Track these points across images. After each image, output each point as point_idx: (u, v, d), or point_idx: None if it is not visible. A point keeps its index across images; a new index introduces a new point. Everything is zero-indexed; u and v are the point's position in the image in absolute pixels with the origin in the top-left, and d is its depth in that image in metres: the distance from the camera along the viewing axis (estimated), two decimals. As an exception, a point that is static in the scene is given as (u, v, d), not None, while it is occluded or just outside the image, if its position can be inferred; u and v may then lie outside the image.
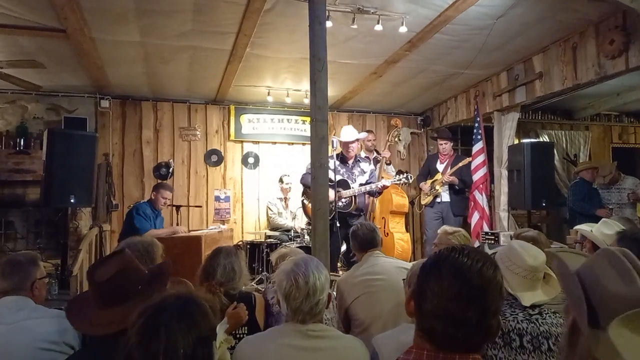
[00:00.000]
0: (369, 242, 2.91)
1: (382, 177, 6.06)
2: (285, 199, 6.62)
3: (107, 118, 6.39)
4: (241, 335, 2.24)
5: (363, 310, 2.58)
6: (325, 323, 2.06)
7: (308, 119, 6.40)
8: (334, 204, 4.65)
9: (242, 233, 6.85)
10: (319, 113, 3.21)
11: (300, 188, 5.75)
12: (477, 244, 4.98)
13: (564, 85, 4.82)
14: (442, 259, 1.16)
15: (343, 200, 5.08)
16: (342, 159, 5.32)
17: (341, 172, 5.24)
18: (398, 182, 5.27)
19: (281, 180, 6.61)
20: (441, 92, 6.56)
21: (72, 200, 4.73)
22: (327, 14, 3.59)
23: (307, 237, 5.83)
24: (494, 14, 4.11)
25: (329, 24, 3.71)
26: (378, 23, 4.11)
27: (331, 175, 4.41)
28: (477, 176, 5.86)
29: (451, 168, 6.03)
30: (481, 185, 5.83)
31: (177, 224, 5.85)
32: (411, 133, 7.69)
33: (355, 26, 4.14)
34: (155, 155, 6.61)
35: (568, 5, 4.00)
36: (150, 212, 5.08)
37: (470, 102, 6.47)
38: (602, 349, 0.93)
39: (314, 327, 1.80)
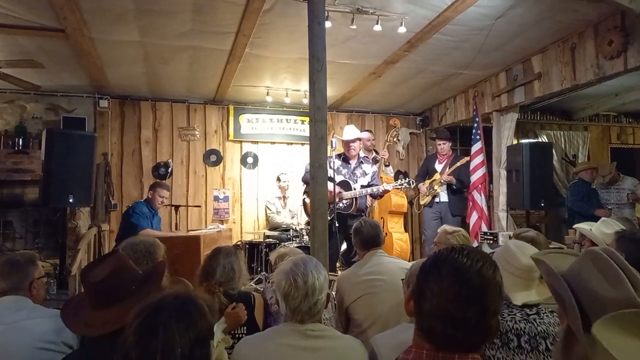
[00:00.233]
0: (372, 240, 2.87)
1: (381, 177, 6.07)
2: (284, 197, 6.63)
3: (106, 118, 6.38)
4: (240, 335, 2.24)
5: (364, 311, 2.57)
6: (324, 323, 2.06)
7: (307, 119, 6.40)
8: (333, 205, 4.65)
9: (241, 233, 6.85)
10: (318, 113, 3.21)
11: (299, 186, 5.74)
12: (475, 244, 4.98)
13: (563, 86, 4.83)
14: (442, 259, 1.16)
15: (344, 201, 5.08)
16: (345, 159, 5.31)
17: (343, 173, 5.23)
18: (400, 186, 5.27)
19: (278, 179, 6.62)
20: (440, 93, 6.56)
21: (70, 200, 4.72)
22: (326, 14, 3.59)
23: (306, 237, 5.83)
24: (493, 14, 4.12)
25: (328, 24, 3.71)
26: (377, 23, 4.11)
27: (331, 175, 4.41)
28: (475, 176, 5.86)
29: (449, 168, 6.04)
30: (480, 186, 5.83)
31: (176, 224, 5.86)
32: (410, 133, 7.69)
33: (354, 26, 4.14)
34: (154, 155, 6.60)
35: (567, 5, 4.01)
36: (147, 211, 5.07)
37: (469, 103, 6.48)
38: (596, 351, 0.94)
39: (312, 327, 1.80)
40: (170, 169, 6.29)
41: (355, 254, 5.12)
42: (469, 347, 1.11)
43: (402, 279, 2.09)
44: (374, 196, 5.44)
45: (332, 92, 6.14)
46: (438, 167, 6.24)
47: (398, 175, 7.32)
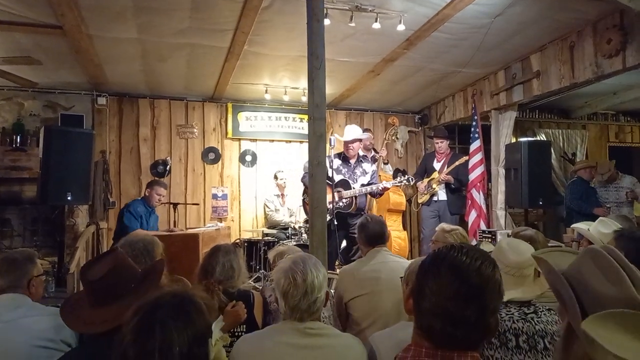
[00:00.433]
0: (377, 236, 2.84)
1: (379, 176, 6.07)
2: (282, 195, 6.62)
3: (104, 115, 6.37)
4: (240, 333, 2.24)
5: (364, 309, 2.55)
6: (323, 321, 2.06)
7: (305, 117, 6.41)
8: (332, 204, 4.65)
9: (240, 231, 6.85)
10: (317, 111, 3.21)
11: (298, 184, 5.74)
12: (474, 242, 4.99)
13: (562, 84, 4.83)
14: (441, 257, 1.16)
15: (344, 200, 5.08)
16: (344, 158, 5.30)
17: (343, 172, 5.22)
18: (399, 184, 5.27)
19: (275, 177, 6.62)
20: (439, 91, 6.56)
21: (69, 198, 4.72)
22: (325, 11, 3.58)
23: (304, 235, 5.83)
24: (492, 12, 4.11)
25: (326, 21, 3.70)
26: (376, 21, 4.10)
27: (330, 173, 4.41)
28: (474, 175, 5.87)
29: (448, 167, 6.04)
30: (478, 184, 5.84)
31: (175, 222, 5.85)
32: (409, 131, 7.69)
33: (353, 24, 4.14)
34: (152, 153, 6.59)
35: (566, 4, 4.01)
36: (143, 209, 5.04)
37: (468, 101, 6.48)
38: (597, 350, 0.94)
39: (311, 325, 1.80)
40: (168, 166, 6.28)
41: (354, 253, 5.15)
42: (468, 346, 1.11)
43: (401, 277, 2.09)
44: (374, 194, 5.44)
45: (330, 90, 6.13)
46: (436, 165, 6.24)
47: (397, 173, 7.30)
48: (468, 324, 1.08)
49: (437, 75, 5.93)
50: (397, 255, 3.00)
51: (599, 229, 2.91)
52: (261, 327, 2.35)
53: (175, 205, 5.83)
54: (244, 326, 2.31)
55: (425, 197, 6.20)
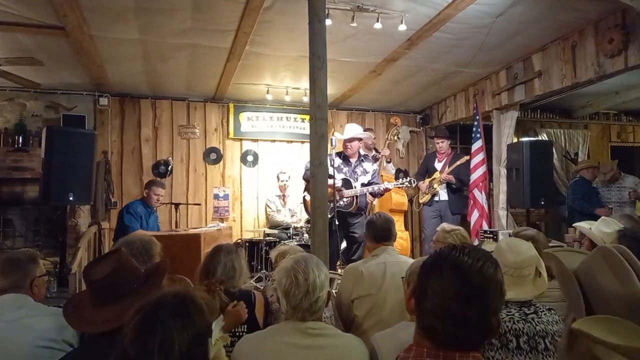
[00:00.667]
0: (384, 234, 2.83)
1: (382, 175, 6.07)
2: (284, 196, 6.62)
3: (105, 116, 6.38)
4: (241, 333, 2.23)
5: (369, 309, 2.54)
6: (325, 321, 2.06)
7: (307, 117, 6.41)
8: (333, 203, 4.65)
9: (241, 231, 6.85)
10: (319, 111, 3.20)
11: (299, 184, 5.74)
12: (476, 242, 4.98)
13: (563, 84, 4.82)
14: (443, 257, 1.16)
15: (345, 199, 5.08)
16: (345, 158, 5.30)
17: (344, 171, 5.22)
18: (401, 185, 5.27)
19: (278, 178, 6.62)
20: (440, 91, 6.56)
21: (70, 198, 4.72)
22: (326, 11, 3.58)
23: (306, 235, 5.83)
24: (494, 12, 4.11)
25: (328, 22, 3.70)
26: (377, 21, 4.10)
27: (331, 172, 4.40)
28: (476, 174, 5.86)
29: (449, 167, 6.04)
30: (480, 184, 5.83)
31: (176, 222, 5.85)
32: (410, 131, 7.69)
33: (354, 24, 4.14)
34: (154, 153, 6.60)
35: (567, 3, 4.00)
36: (142, 210, 5.04)
37: (470, 101, 6.47)
38: (600, 347, 0.94)
39: (313, 325, 1.80)
40: (170, 167, 6.29)
41: (354, 252, 5.15)
42: (470, 346, 1.11)
43: (402, 277, 2.09)
44: (375, 195, 5.44)
45: (332, 90, 6.13)
46: (438, 165, 6.24)
47: (398, 173, 7.31)
48: (470, 324, 1.08)
49: (439, 75, 5.92)
50: (403, 255, 2.99)
51: (601, 228, 2.91)
52: (262, 327, 2.35)
53: (176, 205, 5.83)
54: (245, 326, 2.31)
55: (427, 197, 6.20)
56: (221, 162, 6.90)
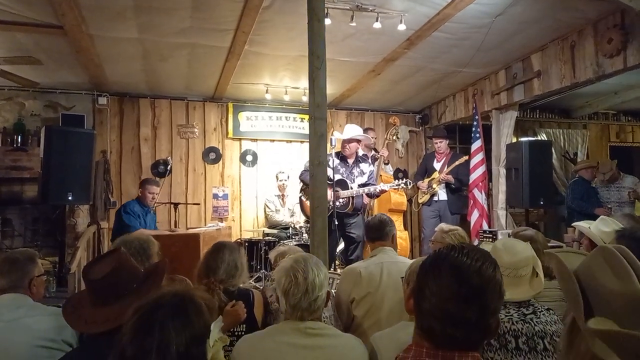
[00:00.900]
0: (376, 232, 2.85)
1: (380, 176, 6.07)
2: (283, 195, 6.62)
3: (104, 115, 6.37)
4: (240, 333, 2.23)
5: (368, 309, 2.54)
6: (324, 321, 2.06)
7: (306, 116, 6.41)
8: (333, 203, 4.65)
9: (240, 231, 6.85)
10: (318, 111, 3.20)
11: (297, 184, 5.74)
12: (476, 242, 4.99)
13: (562, 84, 4.83)
14: (442, 257, 1.16)
15: (341, 200, 5.08)
16: (342, 158, 5.30)
17: (341, 172, 5.22)
18: (397, 187, 5.28)
19: (277, 177, 6.62)
20: (439, 91, 6.56)
21: (69, 198, 4.72)
22: (325, 11, 3.58)
23: (305, 234, 5.83)
24: (493, 12, 4.11)
25: (327, 21, 3.70)
26: (377, 21, 4.10)
27: (329, 173, 4.40)
28: (475, 174, 5.86)
29: (448, 167, 6.04)
30: (480, 184, 5.83)
31: (175, 222, 5.85)
32: (409, 131, 7.69)
33: (354, 24, 4.14)
34: (153, 153, 6.60)
35: (566, 4, 4.00)
36: (139, 209, 4.99)
37: (469, 101, 6.48)
38: (598, 345, 0.94)
39: (312, 325, 1.80)
40: (169, 166, 6.28)
41: (352, 252, 5.16)
42: (469, 346, 1.11)
43: (402, 277, 2.09)
44: (371, 195, 5.45)
45: (331, 89, 6.13)
46: (437, 165, 6.24)
47: (397, 173, 7.32)
48: (469, 324, 1.08)
49: (438, 75, 5.92)
50: (401, 256, 2.99)
51: (600, 228, 2.91)
52: (261, 326, 2.35)
53: (176, 205, 5.83)
54: (244, 325, 2.31)
55: (426, 197, 6.20)
56: (220, 162, 6.89)
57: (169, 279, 2.07)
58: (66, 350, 1.90)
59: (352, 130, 5.32)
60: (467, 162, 5.96)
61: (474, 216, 5.86)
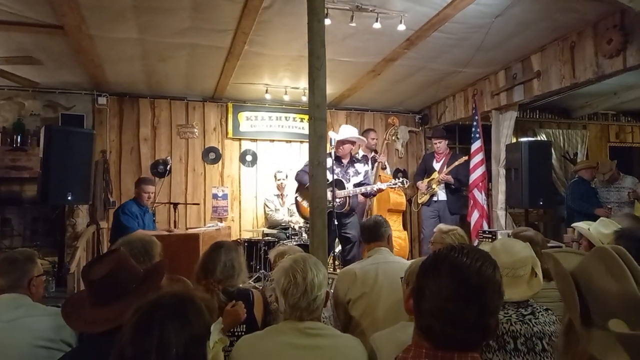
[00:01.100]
0: (371, 233, 2.86)
1: (379, 176, 6.08)
2: (282, 195, 6.61)
3: (104, 115, 6.37)
4: (240, 333, 2.23)
5: (364, 309, 2.55)
6: (323, 321, 2.06)
7: (306, 116, 6.40)
8: (332, 203, 4.65)
9: (240, 231, 6.84)
10: (318, 111, 3.20)
11: (295, 183, 5.73)
12: (476, 243, 4.99)
13: (562, 84, 4.83)
14: (441, 258, 1.16)
15: (337, 200, 5.08)
16: (337, 158, 5.30)
17: (336, 172, 5.22)
18: (394, 186, 5.29)
19: (275, 177, 6.62)
20: (439, 91, 6.56)
21: (69, 198, 4.72)
22: (325, 11, 3.58)
23: (305, 235, 5.83)
24: (493, 12, 4.11)
25: (327, 21, 3.70)
26: (377, 21, 4.10)
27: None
28: (475, 175, 5.87)
29: (447, 167, 6.05)
30: (480, 184, 5.83)
31: (175, 222, 5.85)
32: (409, 131, 7.69)
33: (353, 24, 4.13)
34: (152, 153, 6.59)
35: (566, 4, 4.00)
36: (136, 209, 4.97)
37: (468, 101, 6.48)
38: (594, 346, 0.94)
39: (312, 325, 1.80)
40: (168, 166, 6.28)
41: (349, 252, 5.16)
42: (468, 346, 1.11)
43: (401, 278, 2.09)
44: (367, 195, 5.46)
45: (331, 89, 6.13)
46: (436, 165, 6.25)
47: (397, 173, 7.32)
48: (468, 324, 1.08)
49: (438, 75, 5.92)
50: (397, 256, 3.00)
51: (599, 229, 2.91)
52: (261, 326, 2.35)
53: (175, 205, 5.83)
54: (244, 326, 2.31)
55: (425, 198, 6.20)
56: (220, 162, 6.89)
57: (169, 279, 2.07)
58: (65, 350, 1.90)
59: (348, 131, 5.30)
60: (467, 162, 5.96)
61: (474, 216, 5.86)
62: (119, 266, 1.65)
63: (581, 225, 3.10)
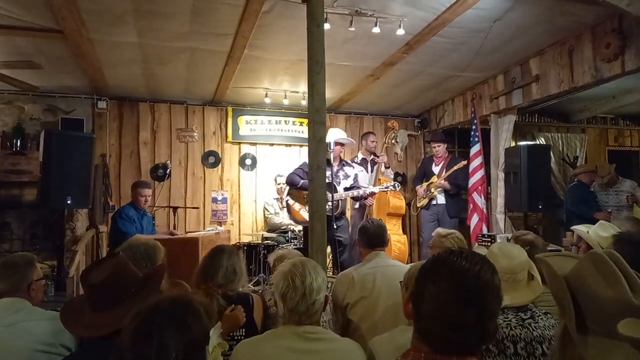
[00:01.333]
0: (377, 239, 2.86)
1: (379, 179, 6.08)
2: (281, 198, 6.61)
3: (104, 119, 6.37)
4: (239, 337, 2.23)
5: (362, 313, 2.55)
6: (322, 325, 2.06)
7: (305, 120, 6.41)
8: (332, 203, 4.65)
9: (239, 235, 6.84)
10: (317, 115, 3.21)
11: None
12: (476, 246, 4.99)
13: (561, 88, 4.84)
14: (440, 261, 1.16)
15: (329, 203, 5.06)
16: (327, 161, 5.27)
17: (327, 176, 5.19)
18: (385, 189, 5.30)
19: (275, 180, 6.62)
20: (438, 95, 6.58)
21: (68, 202, 4.72)
22: (325, 16, 3.59)
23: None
24: (491, 17, 4.12)
25: (327, 26, 3.71)
26: (376, 25, 4.11)
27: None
28: (474, 178, 5.87)
29: (446, 171, 6.05)
30: (479, 188, 5.84)
31: (174, 226, 5.84)
32: (408, 135, 7.70)
33: (353, 28, 4.14)
34: (152, 157, 6.59)
35: (564, 8, 4.02)
36: (134, 213, 4.92)
37: (467, 105, 6.49)
38: (590, 351, 0.94)
39: (311, 330, 1.80)
40: (168, 170, 6.28)
41: (341, 255, 5.13)
42: (467, 350, 1.11)
43: (400, 282, 2.09)
44: (358, 198, 5.46)
45: (330, 93, 6.13)
46: (435, 169, 6.25)
47: (396, 177, 7.33)
48: (467, 328, 1.08)
49: (437, 79, 5.94)
50: (395, 260, 3.00)
51: (598, 232, 2.92)
52: (261, 330, 2.34)
53: (175, 208, 5.83)
54: (244, 330, 2.30)
55: (424, 201, 6.20)
56: (219, 166, 6.89)
57: (168, 282, 2.07)
58: (65, 355, 1.90)
59: (335, 134, 5.30)
60: (466, 166, 5.97)
61: (474, 220, 5.86)
62: (118, 270, 1.65)
63: (580, 229, 3.10)
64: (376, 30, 4.14)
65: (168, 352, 1.15)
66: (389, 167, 6.68)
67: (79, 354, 1.82)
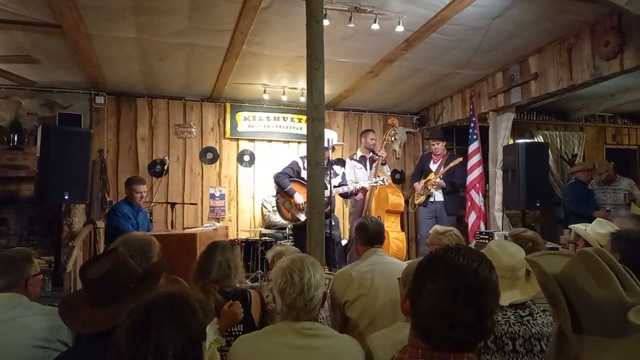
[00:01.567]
0: (376, 237, 2.87)
1: (378, 176, 6.08)
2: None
3: (101, 114, 6.36)
4: (237, 333, 2.23)
5: (361, 311, 2.55)
6: (321, 322, 2.06)
7: (304, 117, 6.40)
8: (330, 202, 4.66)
9: (237, 231, 6.84)
10: (316, 112, 3.20)
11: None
12: (473, 244, 5.00)
13: (559, 86, 4.85)
14: (438, 258, 1.16)
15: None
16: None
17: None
18: (375, 184, 5.33)
19: (274, 178, 6.60)
20: (437, 92, 6.57)
21: (66, 197, 4.71)
22: (324, 12, 3.58)
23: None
24: (490, 14, 4.12)
25: (326, 22, 3.70)
26: (375, 22, 4.11)
27: (304, 175, 4.41)
28: (472, 176, 5.88)
29: (444, 168, 6.05)
30: (477, 185, 5.85)
31: (172, 222, 5.84)
32: (407, 132, 7.70)
33: (352, 25, 4.14)
34: (150, 153, 6.58)
35: (564, 6, 4.02)
36: (129, 210, 4.88)
37: (466, 102, 6.49)
38: (587, 352, 0.94)
39: (309, 326, 1.80)
40: (166, 166, 6.27)
41: (333, 251, 5.14)
42: (465, 347, 1.12)
43: (398, 278, 2.09)
44: (348, 195, 5.48)
45: (329, 90, 6.11)
46: (433, 166, 6.26)
47: (395, 174, 7.33)
48: (465, 325, 1.09)
49: (436, 77, 5.94)
50: (392, 257, 3.01)
51: (596, 230, 2.93)
52: (259, 326, 2.35)
53: (172, 205, 5.82)
54: (241, 325, 2.31)
55: (422, 198, 6.21)
56: (217, 162, 6.89)
57: (165, 279, 2.07)
58: (62, 350, 1.90)
59: (329, 135, 5.30)
60: (463, 163, 5.97)
61: (472, 218, 5.87)
62: (117, 266, 1.65)
63: (578, 227, 3.11)
64: (375, 26, 4.14)
65: (166, 349, 1.15)
66: (385, 164, 6.68)
67: (76, 349, 1.82)
